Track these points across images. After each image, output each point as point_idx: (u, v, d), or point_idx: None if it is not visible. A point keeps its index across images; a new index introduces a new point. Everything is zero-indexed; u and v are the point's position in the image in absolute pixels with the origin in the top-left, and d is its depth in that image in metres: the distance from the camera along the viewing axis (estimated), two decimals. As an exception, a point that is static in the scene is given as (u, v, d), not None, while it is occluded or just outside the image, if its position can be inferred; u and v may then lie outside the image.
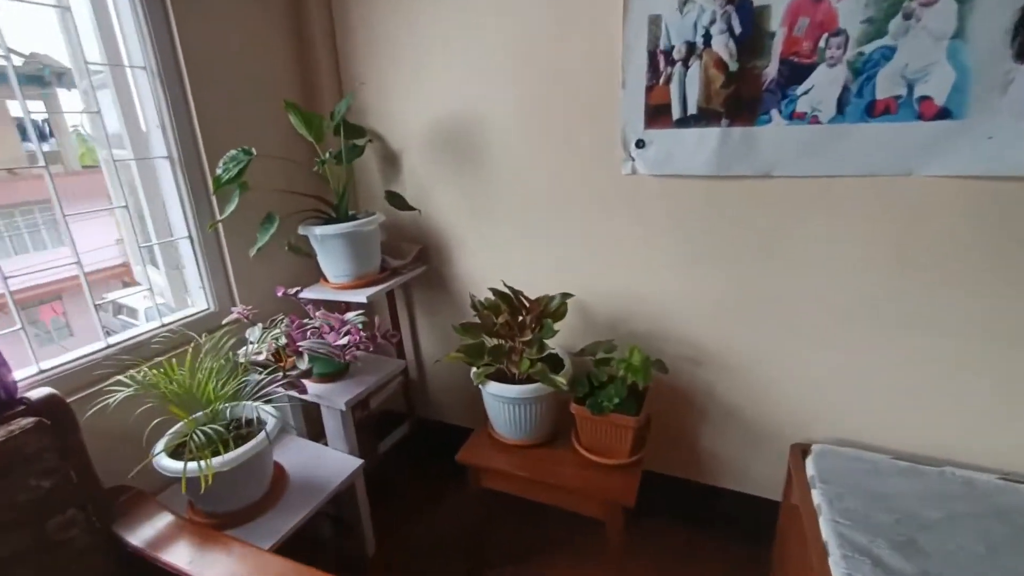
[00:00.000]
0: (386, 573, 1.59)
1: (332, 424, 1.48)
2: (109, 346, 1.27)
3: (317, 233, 1.50)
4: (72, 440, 1.08)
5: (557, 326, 1.38)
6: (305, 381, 1.36)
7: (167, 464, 1.12)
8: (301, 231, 1.54)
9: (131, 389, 1.12)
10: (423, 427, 2.09)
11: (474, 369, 1.42)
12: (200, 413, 1.22)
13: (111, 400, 1.10)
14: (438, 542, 1.69)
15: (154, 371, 1.17)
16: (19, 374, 1.13)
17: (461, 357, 1.42)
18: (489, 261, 1.72)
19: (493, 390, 1.38)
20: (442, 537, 1.71)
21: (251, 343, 1.30)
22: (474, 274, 1.77)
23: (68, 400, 1.11)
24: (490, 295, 1.47)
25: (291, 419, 1.59)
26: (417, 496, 1.88)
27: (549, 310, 1.40)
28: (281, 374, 1.31)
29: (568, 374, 1.41)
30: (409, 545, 1.68)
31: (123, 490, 1.18)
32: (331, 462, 1.46)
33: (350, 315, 1.39)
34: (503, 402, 1.39)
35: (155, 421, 1.15)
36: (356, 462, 1.45)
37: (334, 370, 1.47)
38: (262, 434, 1.18)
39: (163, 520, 1.14)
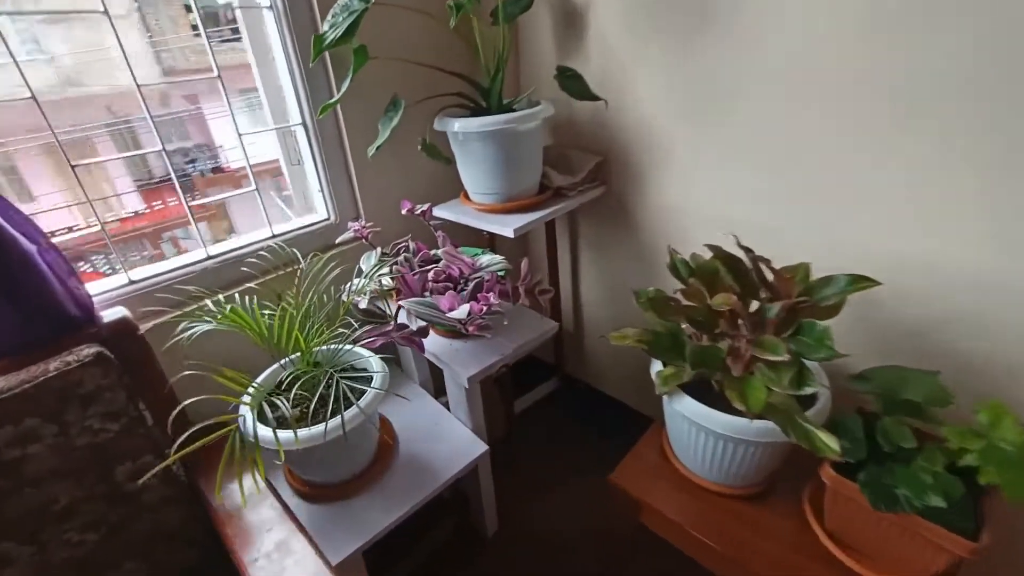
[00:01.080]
0: (505, 556, 1.30)
1: (454, 392, 1.13)
2: (208, 257, 1.04)
3: (456, 129, 1.05)
4: (147, 375, 0.90)
5: (825, 326, 0.76)
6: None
7: (252, 430, 0.88)
8: (437, 125, 1.10)
9: (210, 324, 0.87)
10: (572, 388, 1.68)
11: (658, 368, 0.91)
12: (292, 357, 0.95)
13: (186, 336, 0.86)
14: (568, 534, 1.33)
15: (240, 305, 0.91)
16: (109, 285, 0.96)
17: (639, 344, 0.90)
18: (707, 196, 1.10)
19: (688, 410, 0.86)
20: (574, 531, 1.35)
21: (355, 281, 0.96)
22: (679, 214, 1.16)
23: (145, 325, 0.91)
24: (703, 254, 0.88)
25: (412, 363, 1.30)
26: (553, 470, 1.52)
27: (818, 299, 0.77)
28: (392, 324, 0.97)
29: (825, 412, 0.81)
30: (534, 529, 1.36)
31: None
32: (451, 437, 1.14)
33: (486, 259, 0.95)
34: (703, 431, 0.87)
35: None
36: (480, 448, 1.11)
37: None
38: (354, 409, 0.87)
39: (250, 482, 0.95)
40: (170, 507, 0.90)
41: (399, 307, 0.96)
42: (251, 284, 1.06)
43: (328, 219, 1.22)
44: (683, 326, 0.89)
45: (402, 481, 1.04)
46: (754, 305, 0.82)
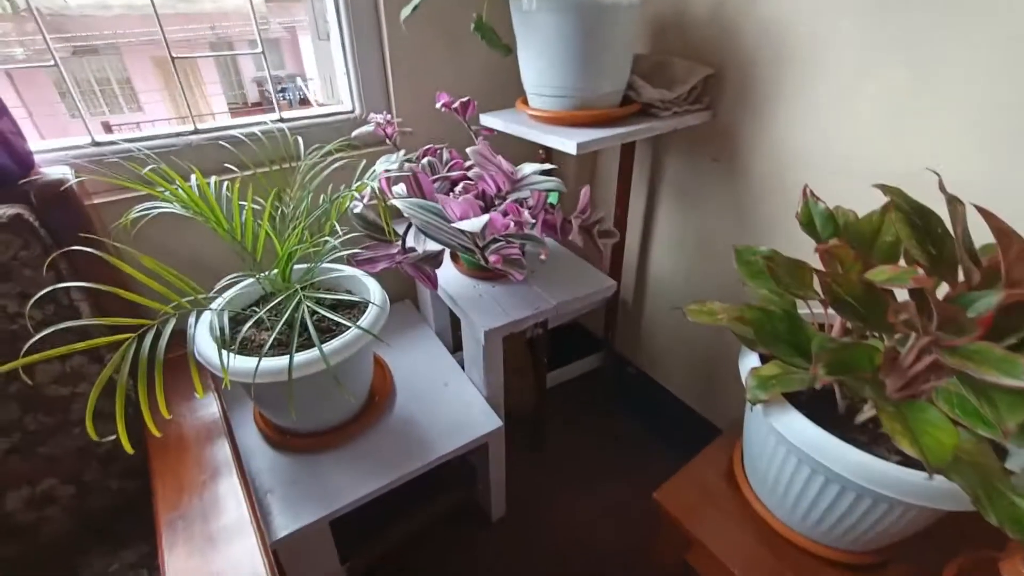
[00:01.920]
0: (506, 548, 1.09)
1: (471, 347, 0.89)
2: (194, 131, 0.84)
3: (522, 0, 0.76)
4: (89, 260, 0.72)
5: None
6: (438, 268, 0.76)
7: (203, 349, 0.69)
8: (498, -9, 0.81)
9: (168, 206, 0.67)
10: (620, 371, 1.40)
11: (752, 363, 0.61)
12: (268, 273, 0.75)
13: (142, 214, 0.66)
14: (586, 543, 1.10)
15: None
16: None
17: (735, 325, 0.61)
18: (869, 135, 0.75)
19: (794, 433, 0.56)
20: (593, 542, 1.10)
21: (359, 183, 0.72)
22: (812, 158, 0.82)
23: (100, 200, 0.73)
24: (847, 211, 0.57)
25: (429, 304, 1.07)
26: (583, 464, 1.27)
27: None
28: (399, 246, 0.74)
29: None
30: (547, 527, 1.13)
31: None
32: (459, 402, 0.91)
33: (530, 169, 0.67)
34: (811, 467, 0.58)
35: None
36: (492, 422, 0.87)
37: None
38: (343, 338, 0.66)
39: (206, 409, 0.77)
40: (107, 424, 0.74)
41: (408, 227, 0.72)
42: (242, 173, 0.85)
43: (352, 111, 0.98)
44: (803, 311, 0.59)
45: (390, 445, 0.83)
46: (942, 289, 0.51)
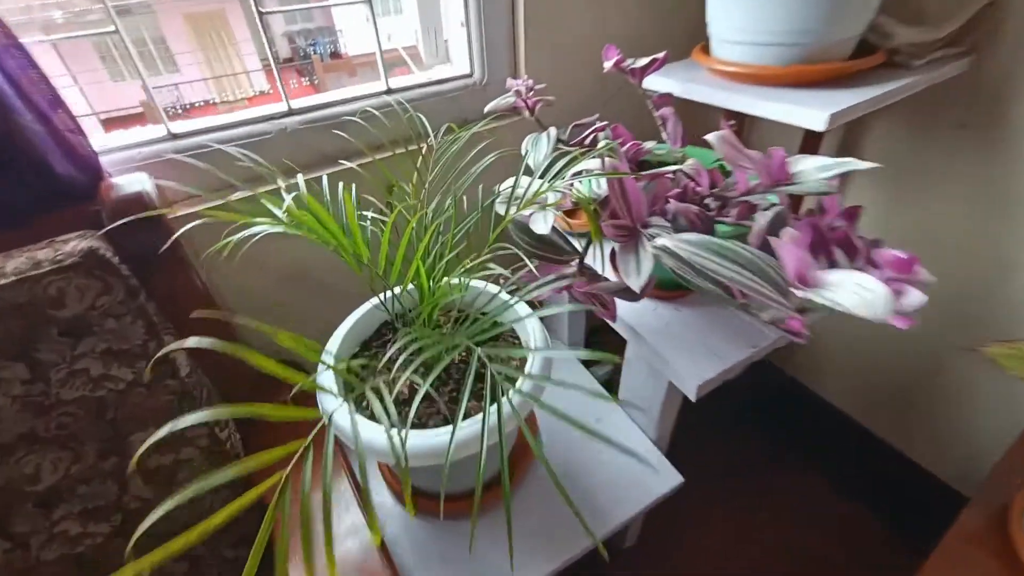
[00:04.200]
0: (641, 571, 0.95)
1: (637, 380, 0.70)
2: (289, 112, 0.65)
3: None
4: (180, 288, 0.56)
5: None
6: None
7: (337, 416, 0.52)
8: None
9: (269, 225, 0.49)
10: (797, 399, 1.18)
11: None
12: (397, 292, 0.57)
13: (246, 235, 0.49)
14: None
15: (323, 195, 0.52)
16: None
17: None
18: None
19: None
20: (731, 573, 0.95)
21: (519, 183, 0.51)
22: None
23: (182, 211, 0.56)
24: None
25: (564, 329, 0.89)
26: (733, 494, 1.10)
27: None
28: (575, 267, 0.54)
29: None
30: (685, 554, 0.98)
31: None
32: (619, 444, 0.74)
33: (810, 161, 0.44)
34: None
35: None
36: (671, 479, 0.69)
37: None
38: (503, 406, 0.48)
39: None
40: (217, 492, 0.60)
41: (589, 240, 0.52)
42: (348, 164, 0.67)
43: (471, 76, 0.77)
44: None
45: (548, 510, 0.66)
46: None
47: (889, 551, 0.97)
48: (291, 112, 0.64)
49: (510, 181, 0.58)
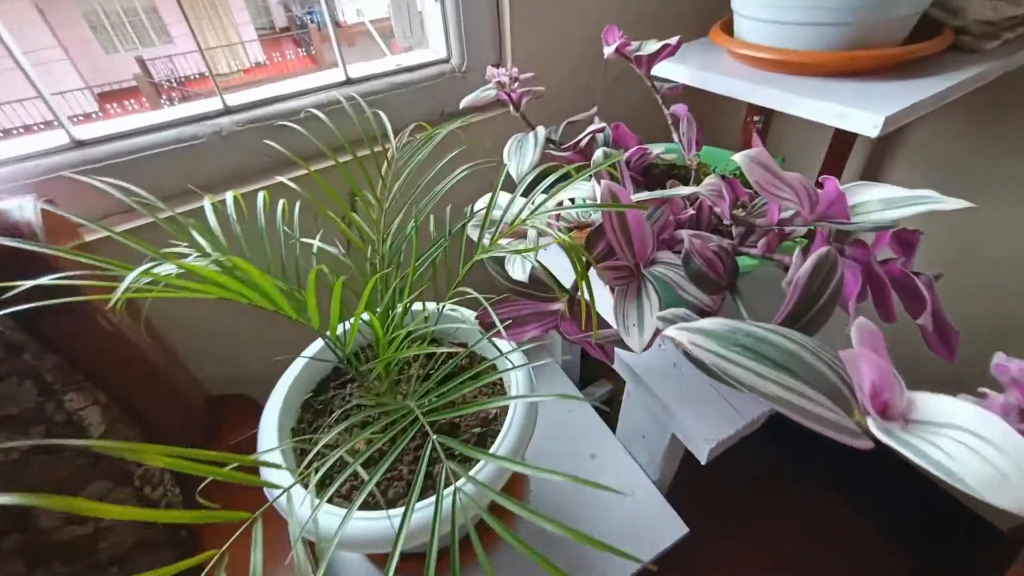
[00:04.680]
0: None
1: (638, 421, 0.61)
2: (225, 110, 0.54)
3: None
4: (86, 330, 0.47)
5: None
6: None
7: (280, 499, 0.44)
8: None
9: (172, 269, 0.40)
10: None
11: None
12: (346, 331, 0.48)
13: (122, 293, 0.39)
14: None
15: (260, 221, 0.42)
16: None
17: None
18: None
19: None
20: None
21: (495, 201, 0.41)
22: None
23: (91, 237, 0.46)
24: None
25: (556, 343, 0.79)
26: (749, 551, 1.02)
27: None
28: (560, 304, 0.44)
29: None
30: None
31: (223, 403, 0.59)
32: (618, 486, 0.66)
33: (873, 191, 0.33)
34: None
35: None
36: (675, 529, 0.61)
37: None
38: (484, 472, 0.39)
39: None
40: (148, 554, 0.53)
41: (578, 277, 0.42)
42: (285, 178, 0.56)
43: (448, 61, 0.65)
44: None
45: (530, 570, 0.58)
46: None
47: (902, 568, 0.90)
48: (227, 110, 0.53)
49: (487, 199, 0.48)
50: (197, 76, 8.77)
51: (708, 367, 0.22)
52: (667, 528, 0.61)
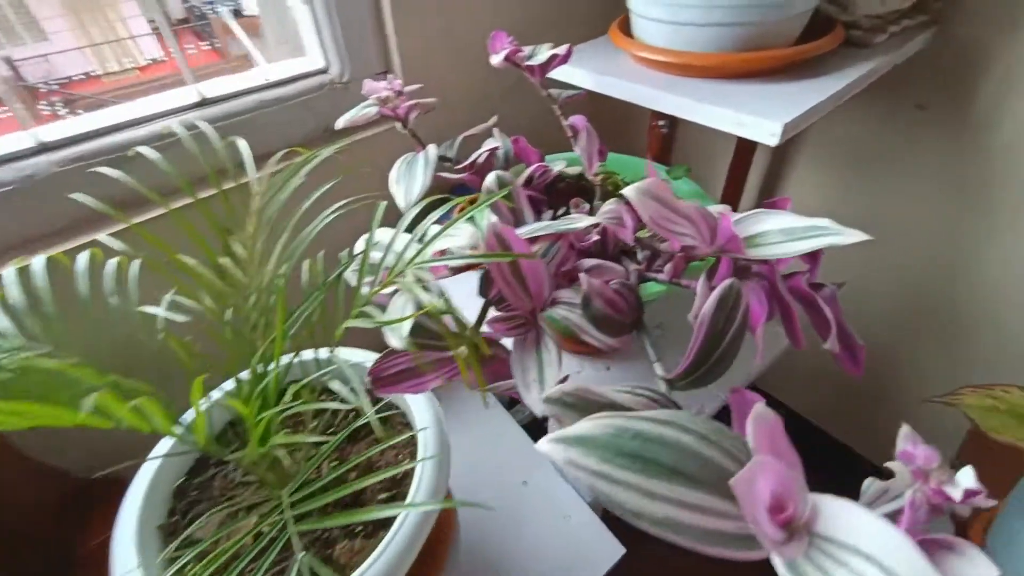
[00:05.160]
0: None
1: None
2: (40, 148, 0.45)
3: None
4: None
5: None
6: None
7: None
8: None
9: None
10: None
11: None
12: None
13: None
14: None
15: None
16: None
17: None
18: None
19: None
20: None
21: (375, 240, 0.35)
22: None
23: None
24: None
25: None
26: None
27: None
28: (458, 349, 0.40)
29: None
30: None
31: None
32: (550, 511, 0.62)
33: (784, 220, 0.30)
34: None
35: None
36: (612, 551, 0.59)
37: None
38: (381, 563, 0.34)
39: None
40: None
41: (483, 314, 0.37)
42: (117, 228, 0.47)
43: (326, 70, 0.58)
44: None
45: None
46: None
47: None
48: (43, 148, 0.44)
49: (375, 239, 0.42)
50: (83, 77, 7.82)
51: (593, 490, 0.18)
52: (605, 551, 0.59)
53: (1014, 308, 0.64)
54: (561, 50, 0.42)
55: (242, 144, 0.43)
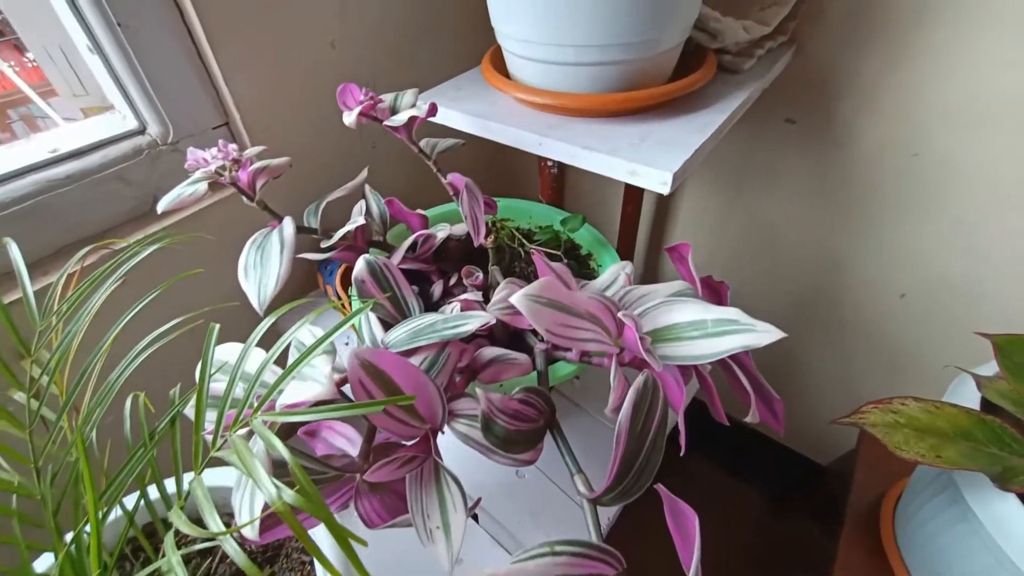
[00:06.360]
0: None
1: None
2: None
3: None
4: None
5: None
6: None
7: None
8: None
9: None
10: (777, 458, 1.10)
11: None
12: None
13: None
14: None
15: None
16: None
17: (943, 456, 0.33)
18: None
19: None
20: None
21: (204, 377, 0.27)
22: (1003, 101, 0.51)
23: None
24: None
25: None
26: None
27: None
28: (357, 473, 0.33)
29: None
30: None
31: None
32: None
33: (665, 288, 0.27)
34: None
35: None
36: None
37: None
38: None
39: None
40: None
41: (372, 430, 0.31)
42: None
43: (143, 130, 0.47)
44: None
45: None
46: None
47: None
48: None
49: (203, 371, 0.33)
50: None
51: None
52: None
53: (888, 299, 0.69)
54: (421, 110, 0.36)
55: (13, 248, 0.32)
